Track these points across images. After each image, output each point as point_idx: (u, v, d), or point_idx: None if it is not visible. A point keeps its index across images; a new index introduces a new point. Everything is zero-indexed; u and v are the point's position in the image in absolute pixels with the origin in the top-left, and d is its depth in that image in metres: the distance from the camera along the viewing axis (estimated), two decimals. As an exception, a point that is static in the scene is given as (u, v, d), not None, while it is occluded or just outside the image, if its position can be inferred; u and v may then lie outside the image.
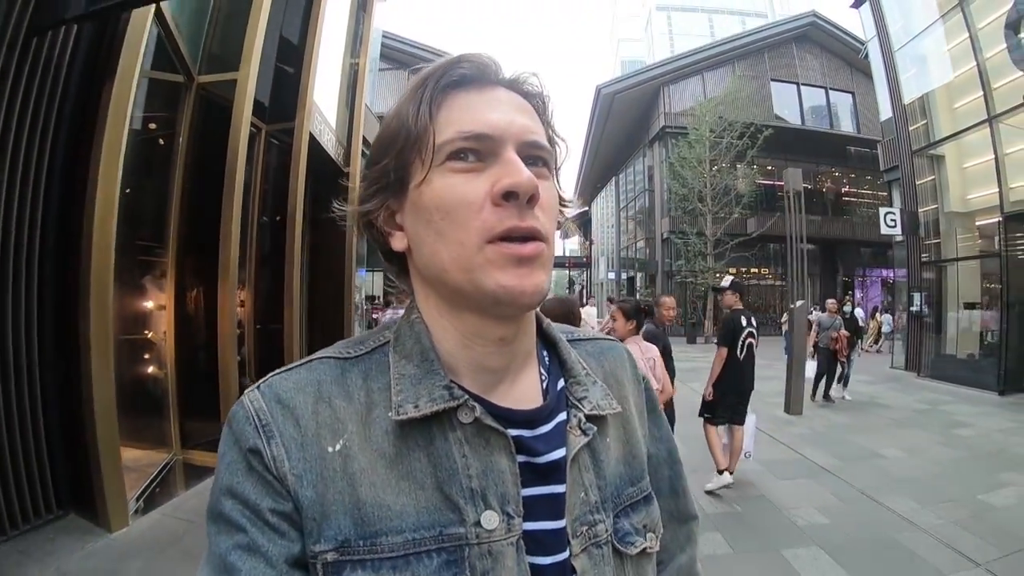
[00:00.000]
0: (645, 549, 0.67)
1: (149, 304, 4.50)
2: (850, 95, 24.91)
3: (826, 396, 8.91)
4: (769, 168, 23.22)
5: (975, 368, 10.20)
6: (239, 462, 0.56)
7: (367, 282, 15.56)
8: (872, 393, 9.68)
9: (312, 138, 6.28)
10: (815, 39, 25.19)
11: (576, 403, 0.65)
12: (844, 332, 8.84)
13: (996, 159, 9.71)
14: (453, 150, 0.57)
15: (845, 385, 9.22)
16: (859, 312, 18.73)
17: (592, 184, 38.47)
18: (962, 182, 11.16)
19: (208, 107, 4.87)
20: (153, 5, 3.48)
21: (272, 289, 6.04)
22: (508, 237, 0.55)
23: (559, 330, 0.74)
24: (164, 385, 4.58)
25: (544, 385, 0.67)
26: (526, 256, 0.56)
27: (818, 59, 25.21)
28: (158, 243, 4.54)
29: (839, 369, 9.05)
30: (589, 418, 0.65)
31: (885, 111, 13.45)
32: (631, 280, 30.58)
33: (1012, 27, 9.33)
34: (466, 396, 0.58)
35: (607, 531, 0.64)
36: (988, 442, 6.40)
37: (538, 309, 0.69)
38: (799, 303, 8.12)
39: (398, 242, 0.64)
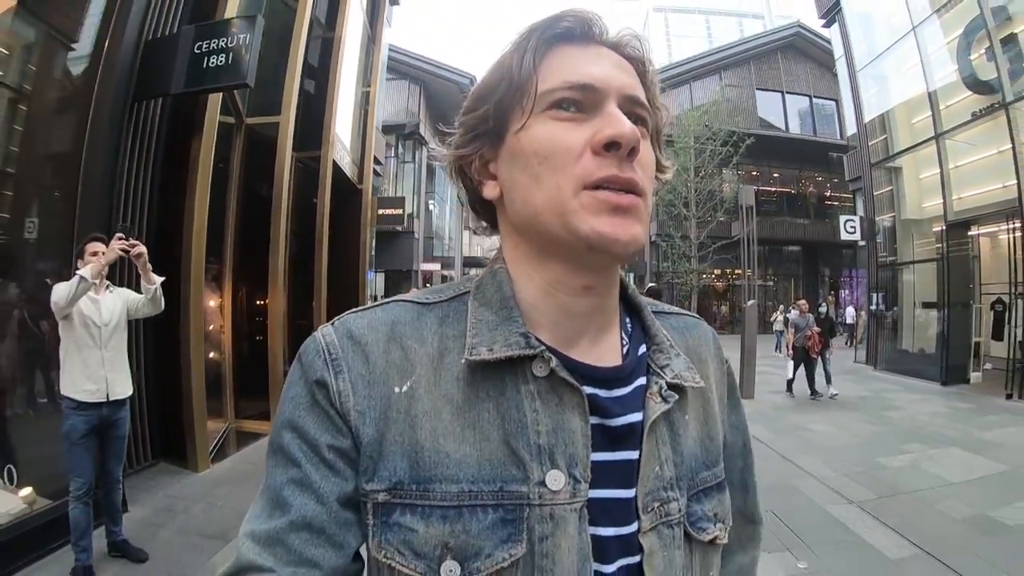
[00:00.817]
0: (716, 538, 0.63)
1: (212, 303, 5.63)
2: (833, 102, 25.92)
3: (813, 393, 9.34)
4: (754, 173, 24.40)
5: (923, 362, 11.33)
6: (304, 395, 0.57)
7: (371, 282, 16.80)
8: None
9: (334, 163, 7.44)
10: (800, 48, 26.26)
11: (658, 370, 0.63)
12: (816, 330, 9.33)
13: (942, 173, 10.85)
14: (555, 99, 0.57)
15: (829, 382, 9.46)
16: (850, 310, 19.97)
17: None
18: (917, 192, 12.28)
19: (254, 142, 6.00)
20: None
21: (303, 289, 7.17)
22: (606, 186, 0.55)
23: (643, 300, 0.72)
24: (223, 368, 5.73)
25: (625, 349, 0.65)
26: (623, 205, 0.55)
27: (803, 68, 26.28)
28: (217, 253, 5.66)
29: (816, 366, 9.46)
30: (671, 386, 0.62)
31: (851, 126, 14.58)
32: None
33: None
34: (543, 347, 0.57)
35: (680, 511, 0.61)
36: (911, 422, 7.48)
37: (622, 273, 0.69)
38: (750, 303, 9.33)
39: (490, 190, 0.63)
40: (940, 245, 11.16)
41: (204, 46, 3.99)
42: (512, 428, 0.55)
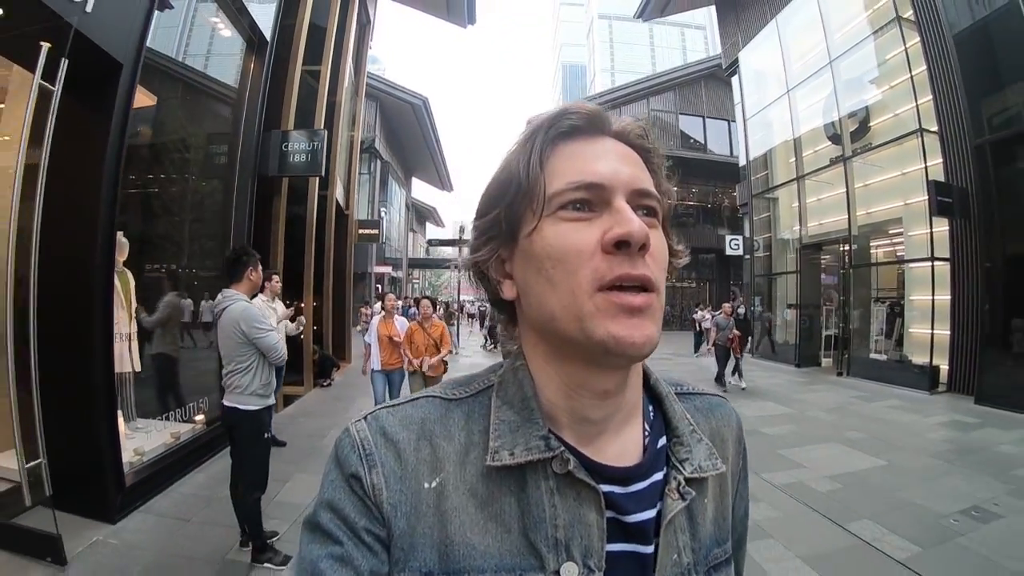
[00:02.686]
0: None
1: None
2: (747, 127, 29.91)
3: (718, 381, 10.76)
4: (676, 189, 27.69)
5: (787, 351, 14.79)
6: (340, 482, 0.61)
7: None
8: (707, 364, 13.18)
9: (336, 201, 10.12)
10: (721, 78, 29.95)
11: (678, 464, 0.65)
12: (736, 333, 10.61)
13: (800, 205, 14.30)
14: (565, 200, 0.59)
15: (740, 376, 10.82)
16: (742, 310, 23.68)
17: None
18: (788, 218, 15.75)
19: (293, 187, 8.59)
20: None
21: (316, 286, 9.69)
22: (619, 286, 0.56)
23: (668, 383, 0.74)
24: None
25: (646, 441, 0.67)
26: (637, 307, 0.56)
27: (723, 94, 29.97)
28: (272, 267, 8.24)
29: (733, 362, 10.78)
30: (689, 481, 0.65)
31: (742, 161, 18.06)
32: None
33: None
34: (562, 448, 0.60)
35: None
36: (752, 388, 10.69)
37: (646, 364, 0.70)
38: None
39: (508, 290, 0.66)
40: (797, 261, 14.71)
41: (289, 146, 6.65)
42: (531, 522, 0.59)
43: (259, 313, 3.67)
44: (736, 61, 17.91)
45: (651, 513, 0.62)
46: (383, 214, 28.83)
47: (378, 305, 15.70)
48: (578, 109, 0.63)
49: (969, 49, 9.92)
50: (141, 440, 4.71)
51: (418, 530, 0.59)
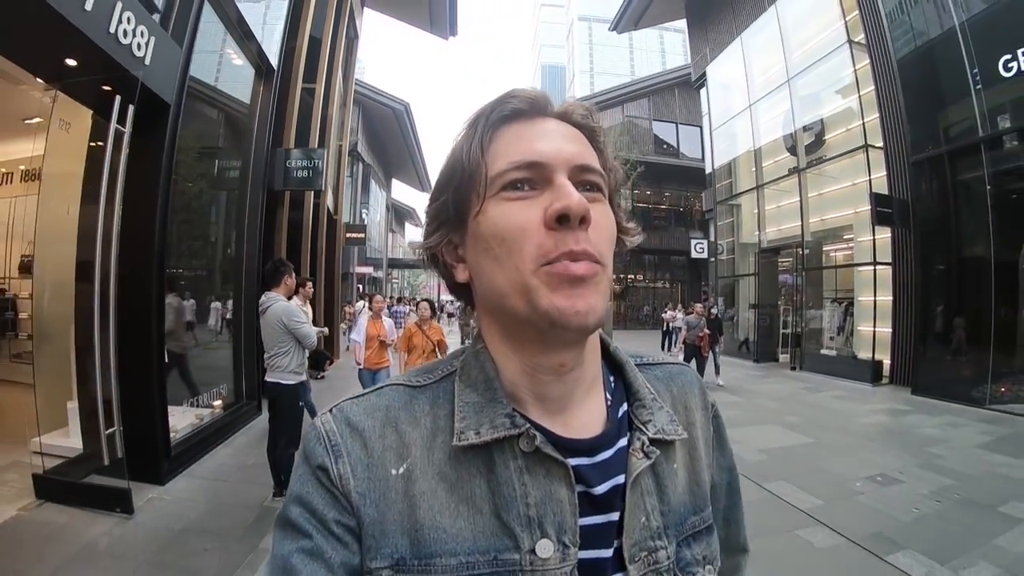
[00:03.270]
0: None
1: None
2: (718, 134, 31.11)
3: None
4: (648, 192, 29.07)
5: (746, 346, 15.86)
6: (308, 475, 0.61)
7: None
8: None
9: (327, 207, 10.91)
10: (693, 85, 31.19)
11: (640, 426, 0.67)
12: (706, 331, 11.01)
13: (759, 212, 15.37)
14: (506, 181, 0.60)
15: (717, 372, 11.44)
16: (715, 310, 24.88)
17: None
18: (750, 224, 16.82)
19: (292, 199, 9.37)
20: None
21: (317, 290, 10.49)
22: (562, 260, 0.57)
23: (628, 354, 0.76)
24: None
25: (608, 409, 0.68)
26: (578, 276, 0.56)
27: (695, 102, 31.02)
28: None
29: (706, 361, 11.08)
30: (653, 441, 0.66)
31: (708, 168, 19.16)
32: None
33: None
34: (527, 425, 0.60)
35: (669, 559, 0.64)
36: (709, 381, 11.58)
37: (602, 332, 0.70)
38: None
39: (461, 273, 0.67)
40: (756, 264, 15.82)
41: (294, 163, 7.43)
42: (502, 502, 0.59)
43: (297, 309, 4.64)
44: (704, 75, 19.00)
45: (618, 480, 0.63)
46: (364, 215, 29.49)
47: (360, 303, 16.53)
48: (520, 93, 0.64)
49: (911, 72, 10.97)
50: (172, 421, 5.48)
51: (388, 517, 0.59)
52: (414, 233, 58.56)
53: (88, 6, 3.53)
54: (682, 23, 22.55)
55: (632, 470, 0.63)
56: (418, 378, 0.68)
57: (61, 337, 4.81)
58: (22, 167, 7.23)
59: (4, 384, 6.71)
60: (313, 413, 5.76)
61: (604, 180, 0.65)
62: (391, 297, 24.19)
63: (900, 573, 3.70)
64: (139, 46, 4.08)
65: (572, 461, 0.61)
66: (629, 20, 22.40)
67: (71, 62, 3.94)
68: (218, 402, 6.39)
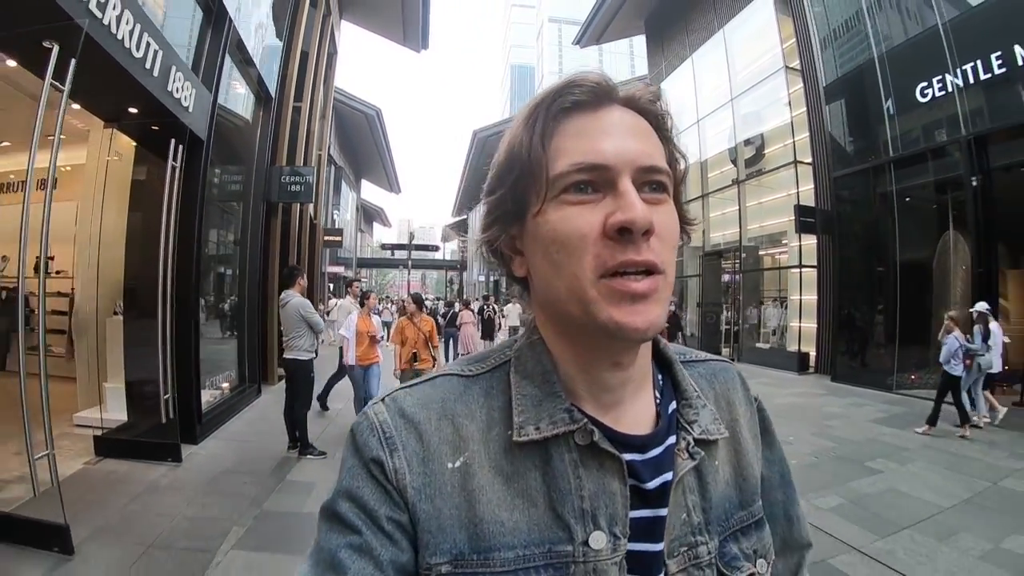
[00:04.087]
0: (753, 575, 0.67)
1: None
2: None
3: None
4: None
5: (692, 343, 17.41)
6: (360, 468, 0.60)
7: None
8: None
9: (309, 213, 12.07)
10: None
11: (686, 426, 0.67)
12: (664, 326, 13.73)
13: (704, 219, 16.93)
14: (568, 183, 0.58)
15: None
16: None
17: (470, 197, 45.05)
18: (702, 230, 18.36)
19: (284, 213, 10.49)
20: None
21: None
22: (623, 271, 0.56)
23: (674, 351, 0.76)
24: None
25: (658, 407, 0.68)
26: (640, 293, 0.56)
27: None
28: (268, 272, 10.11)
29: None
30: (698, 442, 0.66)
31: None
32: (496, 283, 36.84)
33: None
34: (585, 419, 0.60)
35: (710, 553, 0.64)
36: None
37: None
38: (508, 305, 14.95)
39: (518, 268, 0.67)
40: (700, 266, 17.44)
41: (288, 178, 8.59)
42: (557, 495, 0.59)
43: (309, 303, 6.00)
44: (659, 89, 20.51)
45: (667, 476, 0.63)
46: (336, 215, 30.43)
47: (333, 301, 17.60)
48: (582, 81, 0.61)
49: (835, 97, 12.59)
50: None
51: (444, 512, 0.58)
52: (382, 232, 59.41)
53: (155, 73, 4.69)
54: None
55: (678, 470, 0.63)
56: (470, 367, 0.67)
57: (94, 331, 5.93)
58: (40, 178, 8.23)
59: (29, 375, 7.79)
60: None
61: (670, 178, 0.62)
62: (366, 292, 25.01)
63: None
64: (185, 98, 5.24)
65: (625, 456, 0.61)
66: (592, 35, 23.77)
67: (133, 110, 5.09)
68: (226, 384, 7.55)
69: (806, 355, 13.28)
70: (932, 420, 7.54)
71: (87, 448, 5.41)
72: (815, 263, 13.29)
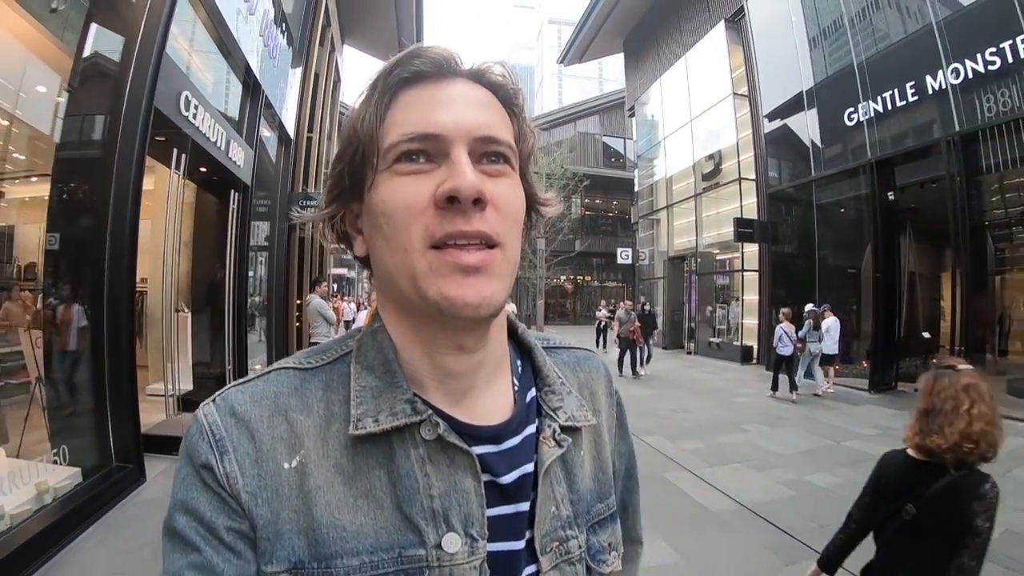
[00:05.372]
0: (612, 570, 0.68)
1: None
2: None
3: (634, 373, 12.85)
4: (597, 201, 32.85)
5: (661, 338, 19.64)
6: (193, 477, 0.57)
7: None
8: (611, 358, 18.34)
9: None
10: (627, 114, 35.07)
11: (551, 412, 0.66)
12: (637, 324, 12.70)
13: (668, 227, 19.17)
14: (399, 153, 0.57)
15: (645, 364, 13.25)
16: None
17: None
18: (666, 236, 20.59)
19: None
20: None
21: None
22: (453, 243, 0.55)
23: (535, 337, 0.74)
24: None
25: (515, 395, 0.67)
26: (471, 265, 0.54)
27: (641, 118, 35.20)
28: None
29: (639, 352, 12.85)
30: (564, 429, 0.65)
31: (636, 187, 22.99)
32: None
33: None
34: (429, 411, 0.58)
35: (580, 548, 0.64)
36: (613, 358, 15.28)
37: (511, 314, 0.69)
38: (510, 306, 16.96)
39: (359, 247, 0.65)
40: (665, 269, 19.70)
41: (303, 203, 10.83)
42: (404, 494, 0.57)
43: (324, 303, 8.31)
44: (633, 108, 22.79)
45: (527, 468, 0.62)
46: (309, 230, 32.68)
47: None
48: (424, 52, 0.60)
49: (773, 122, 14.64)
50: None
51: (282, 516, 0.56)
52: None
53: (221, 147, 6.92)
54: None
55: (544, 459, 0.62)
56: (309, 360, 0.64)
57: (159, 325, 8.12)
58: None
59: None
60: None
61: (513, 151, 0.61)
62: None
63: (647, 445, 7.23)
64: (238, 159, 7.49)
65: (477, 449, 0.59)
66: (575, 54, 25.92)
67: (203, 169, 7.32)
68: (259, 365, 9.78)
69: (750, 348, 15.47)
70: (774, 386, 10.07)
71: (161, 408, 7.64)
72: (756, 268, 15.46)
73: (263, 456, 0.57)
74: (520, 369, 0.70)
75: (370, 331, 0.65)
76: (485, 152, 0.59)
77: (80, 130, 4.89)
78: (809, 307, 10.27)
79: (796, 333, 9.82)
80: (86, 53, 4.62)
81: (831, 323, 9.95)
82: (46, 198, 4.56)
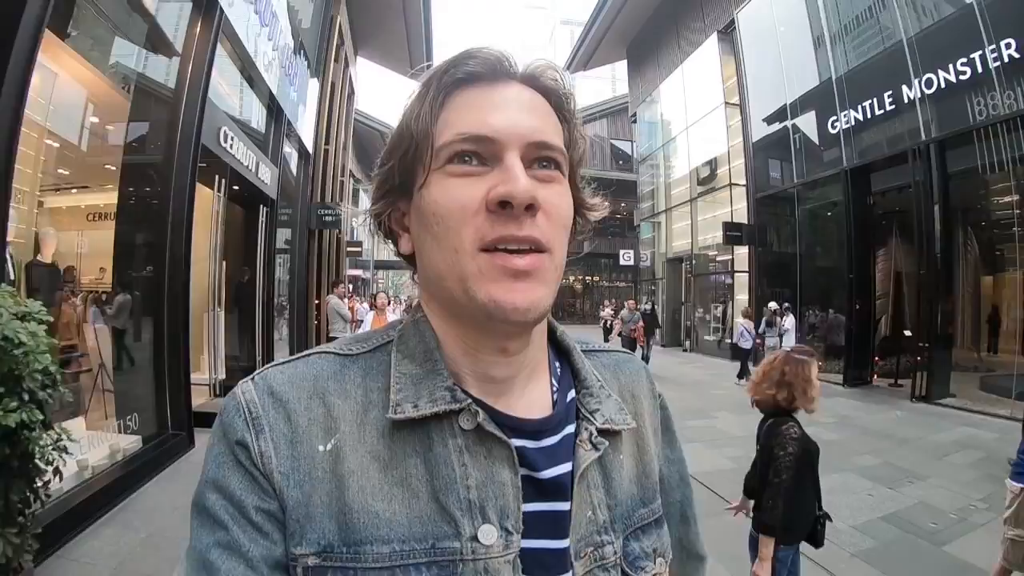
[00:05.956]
0: (655, 575, 0.66)
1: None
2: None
3: None
4: (605, 203, 33.67)
5: (662, 335, 20.62)
6: (226, 455, 0.57)
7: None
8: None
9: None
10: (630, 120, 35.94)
11: (588, 415, 0.65)
12: (640, 324, 13.30)
13: (666, 230, 20.17)
14: (452, 153, 0.57)
15: (647, 362, 13.65)
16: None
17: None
18: (665, 238, 21.57)
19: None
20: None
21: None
22: (503, 248, 0.55)
23: (574, 339, 0.74)
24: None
25: (554, 396, 0.67)
26: (521, 269, 0.55)
27: (649, 122, 36.11)
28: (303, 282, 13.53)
29: (639, 352, 12.95)
30: (601, 432, 0.64)
31: (639, 191, 24.02)
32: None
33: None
34: (469, 400, 0.58)
35: (615, 553, 0.63)
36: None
37: (551, 318, 0.68)
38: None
39: (404, 245, 0.66)
40: (664, 270, 20.74)
41: (322, 212, 12.03)
42: (441, 484, 0.56)
43: (340, 302, 9.55)
44: (635, 114, 23.81)
45: (565, 468, 0.62)
46: (355, 223, 33.86)
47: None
48: (478, 53, 0.60)
49: (760, 131, 15.58)
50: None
51: (314, 499, 0.55)
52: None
53: (248, 163, 8.08)
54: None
55: (580, 462, 0.62)
56: (351, 347, 0.65)
57: (199, 321, 9.30)
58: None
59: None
60: None
61: (564, 156, 0.62)
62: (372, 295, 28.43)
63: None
64: (266, 177, 8.68)
65: (515, 442, 0.59)
66: (580, 62, 26.87)
67: (235, 187, 8.51)
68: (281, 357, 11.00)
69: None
70: (740, 375, 11.15)
71: (203, 393, 8.81)
72: (746, 269, 16.42)
73: (298, 437, 0.57)
74: (559, 371, 0.70)
75: (413, 321, 0.65)
76: (537, 157, 0.59)
77: (142, 160, 6.10)
78: (772, 306, 11.27)
79: (756, 329, 10.82)
80: (142, 99, 5.81)
81: (791, 321, 10.96)
82: (101, 211, 5.73)
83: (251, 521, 0.55)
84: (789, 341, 10.64)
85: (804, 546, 2.90)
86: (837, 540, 4.32)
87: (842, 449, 7.03)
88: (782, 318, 11.00)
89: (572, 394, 0.68)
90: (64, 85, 4.99)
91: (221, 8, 6.41)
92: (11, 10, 3.55)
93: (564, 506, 0.61)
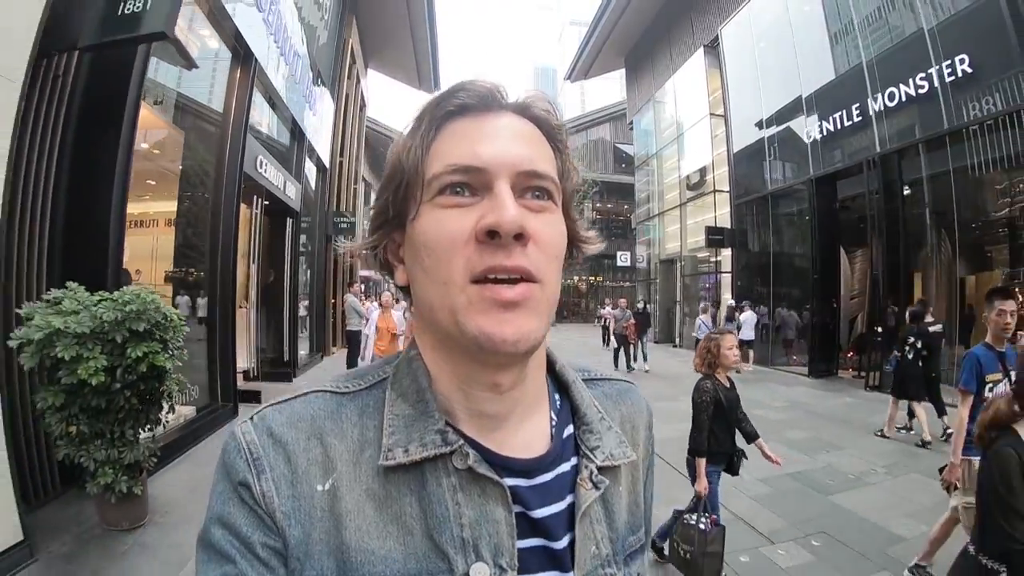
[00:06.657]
0: None
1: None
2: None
3: (629, 368, 13.48)
4: (609, 205, 35.20)
5: (654, 332, 21.97)
6: (230, 493, 0.58)
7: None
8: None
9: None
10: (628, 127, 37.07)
11: (588, 453, 0.66)
12: (632, 322, 13.55)
13: (658, 233, 21.53)
14: (443, 184, 0.58)
15: (645, 360, 13.85)
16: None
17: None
18: (660, 241, 22.93)
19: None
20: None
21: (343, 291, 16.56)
22: (493, 278, 0.55)
23: (576, 369, 0.75)
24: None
25: (552, 430, 0.67)
26: (510, 300, 0.55)
27: (651, 126, 37.35)
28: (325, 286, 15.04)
29: (633, 348, 13.56)
30: (602, 470, 0.65)
31: (637, 196, 25.41)
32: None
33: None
34: (461, 441, 0.59)
35: None
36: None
37: (550, 349, 0.68)
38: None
39: (400, 276, 0.66)
40: (657, 271, 22.16)
41: (337, 220, 13.56)
42: (434, 522, 0.57)
43: (356, 300, 11.01)
44: (632, 122, 25.21)
45: (559, 506, 0.62)
46: (366, 225, 35.37)
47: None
48: (470, 86, 0.61)
49: (740, 141, 16.74)
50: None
51: (313, 537, 0.57)
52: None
53: (277, 183, 9.56)
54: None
55: (581, 503, 0.63)
56: (347, 384, 0.65)
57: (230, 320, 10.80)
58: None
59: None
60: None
61: (556, 186, 0.62)
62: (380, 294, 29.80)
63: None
64: (292, 193, 10.20)
65: (508, 481, 0.60)
66: (580, 71, 28.18)
67: (266, 202, 10.00)
68: (303, 352, 12.52)
69: (722, 340, 17.71)
70: None
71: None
72: (729, 269, 17.72)
73: (298, 478, 0.58)
74: (558, 404, 0.70)
75: (407, 358, 0.66)
76: (528, 187, 0.59)
77: (193, 186, 7.59)
78: (730, 303, 12.63)
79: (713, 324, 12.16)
80: (193, 135, 7.32)
81: (747, 316, 12.32)
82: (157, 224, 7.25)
83: (257, 556, 0.56)
84: (747, 334, 11.96)
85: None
86: (739, 485, 5.08)
87: (779, 425, 8.12)
88: (740, 313, 12.33)
89: (570, 429, 0.69)
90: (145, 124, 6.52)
91: (256, 59, 7.93)
92: (122, 90, 5.03)
93: (558, 544, 0.62)
